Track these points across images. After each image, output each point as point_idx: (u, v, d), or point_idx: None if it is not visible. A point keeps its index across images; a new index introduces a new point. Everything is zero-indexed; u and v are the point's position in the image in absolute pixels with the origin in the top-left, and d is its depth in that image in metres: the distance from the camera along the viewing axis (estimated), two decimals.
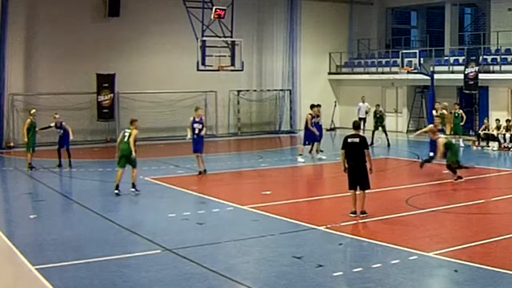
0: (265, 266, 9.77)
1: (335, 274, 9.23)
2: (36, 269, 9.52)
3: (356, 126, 13.45)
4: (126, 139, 16.34)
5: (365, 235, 11.61)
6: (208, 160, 20.40)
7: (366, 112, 28.48)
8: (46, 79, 27.69)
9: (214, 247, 10.91)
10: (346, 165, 13.06)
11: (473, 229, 12.03)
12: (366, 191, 13.11)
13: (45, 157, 21.29)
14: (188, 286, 8.89)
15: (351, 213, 13.03)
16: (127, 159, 16.34)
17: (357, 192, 13.13)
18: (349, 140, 13.05)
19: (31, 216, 13.53)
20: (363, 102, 29.05)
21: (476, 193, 16.12)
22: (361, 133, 13.75)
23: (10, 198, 16.40)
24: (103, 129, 29.08)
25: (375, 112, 27.05)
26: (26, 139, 20.08)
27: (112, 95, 28.64)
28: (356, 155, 12.89)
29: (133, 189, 16.14)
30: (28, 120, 20.37)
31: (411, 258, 9.88)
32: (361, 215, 12.93)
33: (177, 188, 16.99)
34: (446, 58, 31.00)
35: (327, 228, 11.98)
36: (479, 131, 26.09)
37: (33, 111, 20.91)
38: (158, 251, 10.61)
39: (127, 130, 16.50)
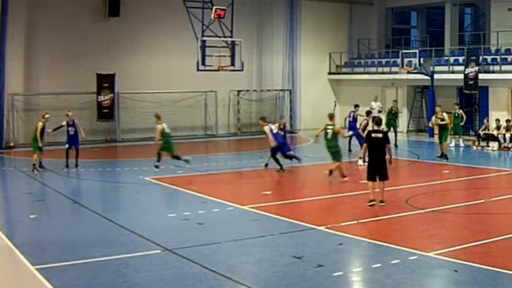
0: (265, 266, 9.76)
1: (335, 274, 9.23)
2: (36, 269, 9.52)
3: (378, 122, 14.39)
4: (330, 135, 17.40)
5: (365, 235, 11.60)
6: (208, 160, 20.45)
7: (379, 111, 28.45)
8: (46, 79, 27.69)
9: (214, 247, 10.90)
10: (367, 158, 14.03)
11: (473, 229, 12.03)
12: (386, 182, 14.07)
13: (45, 157, 21.26)
14: (188, 286, 8.89)
15: (370, 201, 13.82)
16: (333, 154, 17.52)
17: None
18: (373, 135, 14.03)
19: (31, 216, 13.52)
20: (375, 101, 29.07)
21: (476, 193, 16.12)
22: (382, 129, 14.59)
23: (10, 198, 16.40)
24: (103, 129, 29.08)
25: (390, 109, 26.79)
26: (40, 144, 19.65)
27: (112, 95, 28.64)
28: (379, 149, 13.86)
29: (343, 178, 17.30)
30: (40, 124, 19.88)
31: (411, 258, 9.88)
32: (381, 204, 13.80)
33: (177, 188, 16.99)
34: (446, 58, 31.00)
35: (327, 228, 11.97)
36: (479, 131, 26.09)
37: (47, 115, 20.37)
38: (158, 251, 10.61)
39: (328, 126, 17.40)
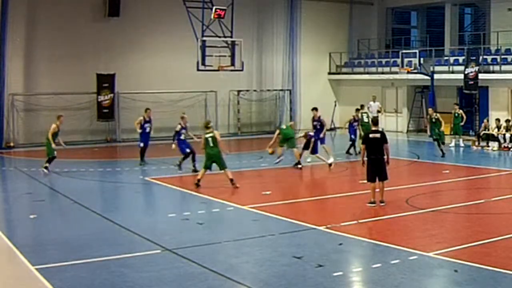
0: (265, 266, 9.76)
1: (335, 274, 9.22)
2: (36, 269, 9.52)
3: (375, 122, 14.60)
4: (211, 143, 16.60)
5: (365, 235, 11.61)
6: None
7: (378, 111, 28.42)
8: (46, 79, 27.68)
9: (214, 247, 10.91)
10: (365, 159, 13.92)
11: (473, 229, 12.02)
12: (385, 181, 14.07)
13: (43, 157, 21.25)
14: (188, 286, 8.88)
15: (370, 203, 13.87)
16: (216, 162, 16.74)
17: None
18: (371, 135, 13.98)
19: (31, 216, 13.52)
20: (374, 101, 29.03)
21: (476, 193, 16.12)
22: (382, 129, 14.70)
23: (10, 198, 16.39)
24: (103, 129, 29.08)
25: (430, 117, 23.78)
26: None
27: (112, 95, 28.63)
28: (377, 149, 13.84)
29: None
30: (54, 125, 19.17)
31: (411, 258, 9.88)
32: (381, 204, 13.84)
33: (177, 188, 16.99)
34: (446, 58, 31.00)
35: (327, 228, 11.97)
36: (479, 131, 26.09)
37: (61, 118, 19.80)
38: (158, 251, 10.61)
39: (208, 134, 16.67)
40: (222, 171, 16.82)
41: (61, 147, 19.38)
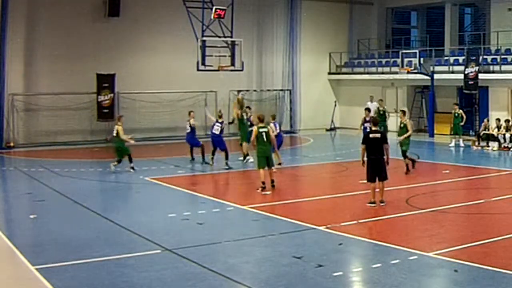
0: (265, 266, 9.77)
1: (335, 274, 9.23)
2: (36, 269, 9.52)
3: (375, 122, 14.86)
4: (265, 138, 15.97)
5: (365, 235, 11.61)
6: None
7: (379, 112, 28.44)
8: (46, 79, 27.66)
9: (214, 247, 10.91)
10: (365, 159, 13.99)
11: (473, 229, 12.03)
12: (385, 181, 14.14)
13: (43, 157, 21.27)
14: (188, 286, 8.89)
15: (370, 203, 13.93)
16: (268, 158, 16.15)
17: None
18: (371, 135, 14.11)
19: (31, 216, 13.52)
20: (371, 101, 29.01)
21: (476, 193, 16.13)
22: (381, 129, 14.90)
23: (10, 198, 16.40)
24: (103, 129, 29.03)
25: (378, 109, 25.60)
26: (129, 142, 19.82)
27: (112, 95, 28.61)
28: (377, 149, 13.94)
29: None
30: (119, 127, 19.70)
31: (411, 258, 9.88)
32: (381, 204, 13.90)
33: (177, 188, 16.99)
34: (446, 58, 31.00)
35: (327, 228, 11.98)
36: (479, 131, 26.09)
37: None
38: (158, 251, 10.62)
39: (261, 128, 15.99)
40: (270, 169, 16.32)
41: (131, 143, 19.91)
